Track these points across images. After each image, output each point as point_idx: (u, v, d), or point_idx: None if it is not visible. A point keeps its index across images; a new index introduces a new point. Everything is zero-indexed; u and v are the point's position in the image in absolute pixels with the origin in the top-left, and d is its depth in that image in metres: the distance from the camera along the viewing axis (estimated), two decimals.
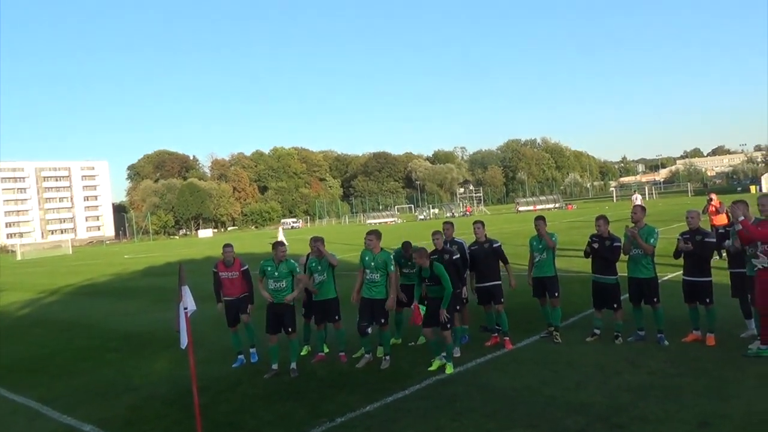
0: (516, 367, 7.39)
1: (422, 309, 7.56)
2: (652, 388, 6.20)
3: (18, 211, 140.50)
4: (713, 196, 16.12)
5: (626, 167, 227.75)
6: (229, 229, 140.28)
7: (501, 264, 8.64)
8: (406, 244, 8.51)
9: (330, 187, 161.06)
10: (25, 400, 7.90)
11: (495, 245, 8.66)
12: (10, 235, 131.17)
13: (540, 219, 8.68)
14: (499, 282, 8.53)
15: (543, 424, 5.47)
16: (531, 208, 75.26)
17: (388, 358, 7.87)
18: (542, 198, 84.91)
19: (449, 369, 7.34)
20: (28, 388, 8.38)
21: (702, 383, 6.19)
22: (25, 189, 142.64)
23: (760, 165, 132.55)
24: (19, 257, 68.08)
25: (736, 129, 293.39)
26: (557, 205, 74.06)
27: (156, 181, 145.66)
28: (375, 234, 8.17)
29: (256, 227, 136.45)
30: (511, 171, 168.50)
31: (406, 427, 5.70)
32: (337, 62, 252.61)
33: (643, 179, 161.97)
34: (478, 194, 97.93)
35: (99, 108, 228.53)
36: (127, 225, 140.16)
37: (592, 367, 7.08)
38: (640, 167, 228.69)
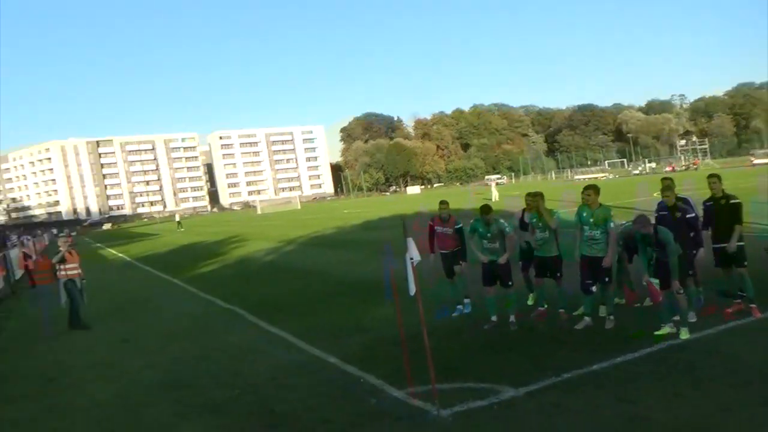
0: (765, 339, 6.62)
1: (655, 283, 7.11)
2: None
3: (254, 171, 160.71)
4: None
5: None
6: (435, 185, 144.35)
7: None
8: None
9: (533, 142, 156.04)
10: (279, 331, 9.21)
11: (732, 201, 7.69)
12: (250, 192, 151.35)
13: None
14: (741, 243, 7.60)
15: None
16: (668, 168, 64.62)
17: (612, 317, 7.57)
18: None
19: (684, 334, 6.82)
20: (280, 323, 9.75)
21: None
22: (258, 152, 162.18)
23: None
24: (259, 211, 78.20)
25: None
26: None
27: (366, 141, 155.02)
28: (593, 189, 7.81)
29: (461, 184, 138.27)
30: (743, 119, 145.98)
31: (640, 390, 5.48)
32: (525, 15, 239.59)
33: None
34: (702, 146, 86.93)
35: (313, 74, 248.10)
36: (343, 182, 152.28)
37: None
38: None
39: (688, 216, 7.58)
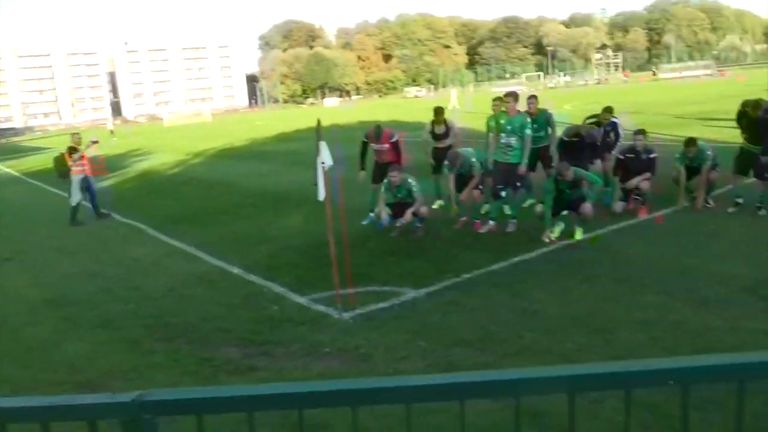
0: (651, 236, 7.02)
1: (555, 233, 7.23)
2: None
3: (162, 81, 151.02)
4: None
5: None
6: (353, 98, 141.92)
7: None
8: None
9: (455, 54, 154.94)
10: (181, 244, 8.86)
11: (652, 156, 8.03)
12: (158, 104, 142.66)
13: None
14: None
15: (678, 292, 5.22)
16: (676, 75, 67.85)
17: (515, 221, 7.75)
18: (690, 64, 75.97)
19: (578, 234, 7.12)
20: (182, 235, 9.37)
21: None
22: (166, 60, 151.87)
23: None
24: (166, 123, 74.18)
25: None
26: (707, 72, 66.13)
27: (284, 51, 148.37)
28: (512, 96, 7.76)
29: (380, 96, 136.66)
30: (656, 34, 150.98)
31: (533, 287, 5.70)
32: None
33: None
34: (616, 60, 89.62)
35: None
36: (258, 94, 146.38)
37: (738, 239, 6.56)
38: None
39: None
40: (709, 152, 7.89)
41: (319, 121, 5.73)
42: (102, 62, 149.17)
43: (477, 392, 1.30)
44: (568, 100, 40.80)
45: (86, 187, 11.39)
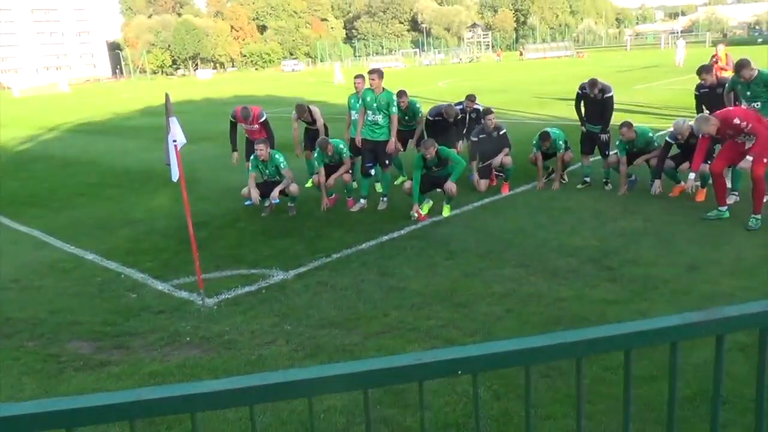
0: (512, 212, 7.42)
1: (424, 210, 7.42)
2: (646, 233, 6.25)
3: (9, 45, 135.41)
4: (718, 50, 14.14)
5: (644, 14, 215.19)
6: (228, 70, 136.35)
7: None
8: (401, 92, 8.24)
9: (332, 28, 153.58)
10: (29, 230, 8.04)
11: (501, 132, 8.41)
12: (4, 71, 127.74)
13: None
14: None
15: (534, 264, 5.57)
16: (541, 55, 72.23)
17: (386, 199, 7.87)
18: (553, 45, 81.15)
19: (446, 211, 7.37)
20: (30, 219, 8.51)
21: (695, 231, 6.22)
22: (12, 21, 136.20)
23: None
24: (16, 94, 66.80)
25: None
26: (568, 53, 71.09)
27: (149, 17, 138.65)
28: (377, 73, 7.76)
29: (256, 69, 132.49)
30: (522, 15, 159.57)
31: (400, 264, 5.82)
32: None
33: (661, 27, 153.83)
34: (486, 39, 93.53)
35: None
36: (123, 63, 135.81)
37: (588, 213, 7.11)
38: (659, 14, 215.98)
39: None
40: (562, 141, 8.43)
41: (167, 95, 5.37)
42: None
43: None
44: (443, 76, 42.09)
45: None
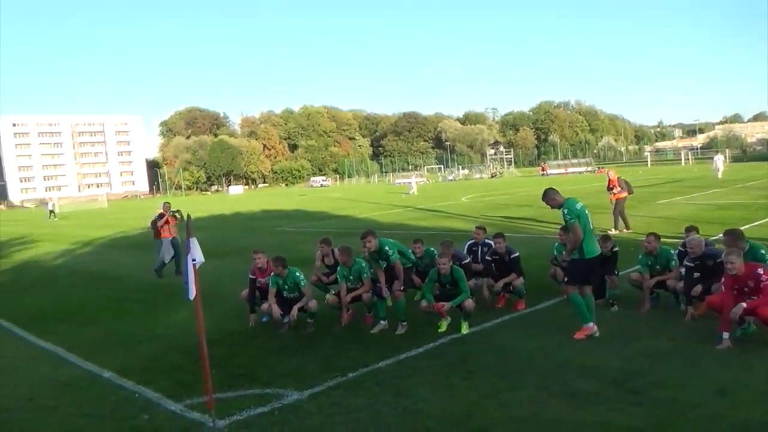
0: (532, 330, 7.28)
1: (442, 327, 7.47)
2: (672, 354, 6.04)
3: (54, 165, 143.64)
4: (610, 172, 16.70)
5: (662, 132, 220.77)
6: (259, 186, 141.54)
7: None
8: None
9: (359, 146, 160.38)
10: (52, 346, 8.12)
11: (513, 256, 8.50)
12: (48, 188, 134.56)
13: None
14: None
15: (554, 386, 5.38)
16: (562, 171, 73.86)
17: (405, 323, 7.68)
18: (574, 161, 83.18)
19: (464, 328, 7.27)
20: (53, 335, 8.61)
21: (724, 351, 6.00)
22: (60, 143, 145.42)
23: None
24: (56, 210, 69.85)
25: None
26: (588, 169, 72.62)
27: (188, 137, 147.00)
28: (345, 250, 8.02)
29: (286, 185, 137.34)
30: (543, 133, 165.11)
31: (417, 384, 5.68)
32: (366, 21, 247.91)
33: (680, 144, 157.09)
34: (508, 155, 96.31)
35: (131, 63, 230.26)
36: (160, 180, 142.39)
37: (610, 332, 6.93)
38: (677, 132, 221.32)
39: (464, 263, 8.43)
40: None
41: (189, 216, 5.59)
42: None
43: None
44: (466, 191, 43.01)
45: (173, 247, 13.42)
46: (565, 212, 6.74)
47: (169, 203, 14.52)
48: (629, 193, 16.01)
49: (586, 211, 6.84)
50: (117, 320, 9.48)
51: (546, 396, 5.19)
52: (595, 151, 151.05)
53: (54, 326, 9.27)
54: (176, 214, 13.99)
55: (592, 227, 6.89)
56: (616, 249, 8.28)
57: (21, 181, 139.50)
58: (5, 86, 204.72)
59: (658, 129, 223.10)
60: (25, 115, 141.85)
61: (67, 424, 5.35)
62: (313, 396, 5.61)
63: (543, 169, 79.29)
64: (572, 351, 6.33)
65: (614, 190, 15.68)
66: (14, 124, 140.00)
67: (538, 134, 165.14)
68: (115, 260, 17.45)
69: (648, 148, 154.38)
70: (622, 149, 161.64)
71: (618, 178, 16.01)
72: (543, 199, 7.07)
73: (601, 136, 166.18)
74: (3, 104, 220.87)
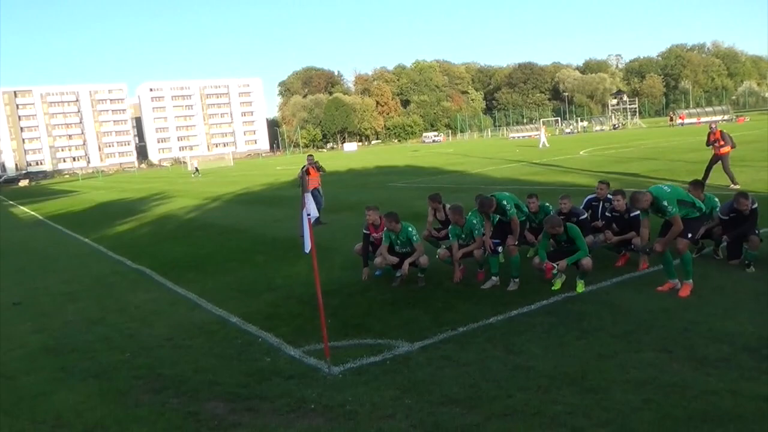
0: (654, 290, 6.86)
1: (556, 285, 7.24)
2: None
3: (186, 126, 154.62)
4: (713, 125, 15.58)
5: None
6: (373, 143, 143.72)
7: None
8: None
9: (472, 100, 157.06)
10: (186, 292, 8.90)
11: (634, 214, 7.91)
12: (182, 148, 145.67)
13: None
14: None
15: (678, 350, 5.06)
16: (694, 120, 67.69)
17: (517, 280, 7.52)
18: (708, 109, 75.78)
19: (580, 287, 7.00)
20: (187, 283, 9.42)
21: None
22: (191, 106, 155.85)
23: None
24: (190, 168, 75.54)
25: None
26: (726, 117, 65.91)
27: (304, 96, 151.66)
28: (456, 210, 8.05)
29: (399, 141, 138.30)
30: (672, 80, 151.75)
31: (529, 341, 5.58)
32: None
33: None
34: (632, 106, 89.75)
35: (251, 27, 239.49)
36: (279, 139, 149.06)
37: (745, 295, 6.38)
38: None
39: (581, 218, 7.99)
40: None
41: (303, 174, 5.77)
42: (127, 107, 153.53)
43: None
44: (584, 145, 40.89)
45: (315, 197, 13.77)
46: (666, 205, 6.60)
47: (312, 155, 15.36)
48: (732, 147, 15.07)
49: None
50: (242, 270, 10.15)
51: (668, 359, 4.90)
52: (733, 97, 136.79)
53: (188, 274, 10.12)
54: (317, 165, 14.84)
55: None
56: (756, 206, 7.51)
57: (158, 142, 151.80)
58: (143, 54, 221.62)
59: None
60: (160, 81, 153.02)
61: (200, 362, 5.87)
62: (424, 348, 5.71)
63: (672, 119, 73.20)
64: (699, 314, 5.90)
65: (716, 144, 14.87)
66: (151, 89, 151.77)
67: (667, 81, 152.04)
68: (240, 215, 18.62)
69: None
70: (767, 94, 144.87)
71: (721, 131, 15.10)
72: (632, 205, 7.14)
73: (742, 81, 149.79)
74: (142, 71, 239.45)
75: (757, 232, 7.39)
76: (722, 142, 14.77)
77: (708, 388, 4.34)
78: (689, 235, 6.75)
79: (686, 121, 69.00)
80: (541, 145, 42.78)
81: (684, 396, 4.26)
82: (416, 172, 30.29)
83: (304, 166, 14.44)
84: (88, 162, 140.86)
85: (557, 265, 6.99)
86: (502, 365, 5.10)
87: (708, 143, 15.25)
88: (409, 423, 4.21)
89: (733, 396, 4.20)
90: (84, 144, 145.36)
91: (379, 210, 8.62)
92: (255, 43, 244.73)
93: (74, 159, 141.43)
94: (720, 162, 14.82)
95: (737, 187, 13.46)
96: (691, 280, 6.65)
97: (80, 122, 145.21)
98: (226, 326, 7.06)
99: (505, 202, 7.69)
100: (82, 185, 61.20)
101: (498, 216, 7.83)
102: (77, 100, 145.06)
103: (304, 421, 4.41)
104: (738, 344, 5.08)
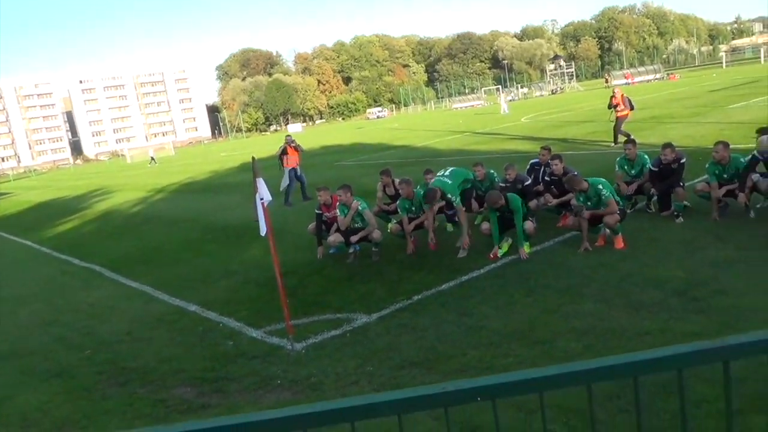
0: (594, 246, 7.29)
1: (503, 249, 7.53)
2: (737, 262, 5.96)
3: (122, 117, 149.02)
4: (616, 89, 16.57)
5: (740, 28, 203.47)
6: (317, 122, 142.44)
7: None
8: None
9: (414, 73, 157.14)
10: (140, 285, 8.86)
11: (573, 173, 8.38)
12: (118, 141, 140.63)
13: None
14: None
15: (616, 299, 5.48)
16: (626, 81, 69.85)
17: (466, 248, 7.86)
18: (641, 69, 78.34)
19: (527, 248, 7.38)
20: (141, 276, 9.36)
21: None
22: (125, 96, 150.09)
23: None
24: (128, 160, 73.27)
25: None
26: (657, 76, 68.40)
27: (243, 79, 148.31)
28: (406, 183, 8.27)
29: (343, 119, 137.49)
30: (606, 42, 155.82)
31: (479, 303, 5.91)
32: None
33: (760, 40, 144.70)
34: (569, 70, 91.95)
35: (182, 9, 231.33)
36: (221, 124, 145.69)
37: (675, 243, 6.88)
38: (757, 27, 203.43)
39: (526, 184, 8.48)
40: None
41: (253, 158, 5.87)
42: (57, 102, 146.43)
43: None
44: (526, 111, 41.80)
45: (298, 176, 14.69)
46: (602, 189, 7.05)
47: (290, 135, 15.28)
48: (631, 109, 16.25)
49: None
50: (196, 259, 10.14)
51: (607, 308, 5.30)
52: (664, 56, 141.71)
53: (140, 268, 10.03)
54: (295, 145, 14.75)
55: None
56: (684, 160, 8.03)
57: (93, 136, 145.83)
58: (67, 44, 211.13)
59: (736, 25, 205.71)
60: (91, 73, 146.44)
61: (163, 352, 5.95)
62: (381, 318, 5.96)
63: (607, 81, 75.34)
64: (634, 265, 6.35)
65: (618, 108, 15.92)
66: (81, 81, 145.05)
67: (602, 44, 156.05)
68: (187, 204, 18.36)
69: (723, 47, 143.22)
70: (695, 51, 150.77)
71: (622, 95, 16.17)
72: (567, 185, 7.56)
73: (671, 39, 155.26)
74: (69, 62, 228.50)
75: (682, 184, 7.92)
76: (622, 106, 15.84)
77: (642, 330, 4.75)
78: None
79: (619, 81, 71.06)
80: (502, 111, 43.71)
81: (621, 339, 4.66)
82: (363, 149, 30.38)
83: (283, 146, 14.60)
84: (19, 161, 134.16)
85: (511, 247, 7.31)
86: (456, 327, 5.40)
87: (609, 106, 16.32)
88: (372, 388, 4.45)
89: (663, 334, 4.62)
90: (12, 143, 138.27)
91: (330, 189, 8.77)
92: (189, 28, 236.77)
93: (2, 159, 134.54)
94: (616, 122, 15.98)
95: (617, 146, 14.41)
96: (619, 234, 7.07)
97: (6, 120, 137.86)
98: (186, 315, 7.12)
99: (449, 195, 7.94)
100: (14, 186, 58.42)
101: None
102: (1, 97, 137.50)
103: (271, 396, 4.59)
104: (668, 289, 5.53)
